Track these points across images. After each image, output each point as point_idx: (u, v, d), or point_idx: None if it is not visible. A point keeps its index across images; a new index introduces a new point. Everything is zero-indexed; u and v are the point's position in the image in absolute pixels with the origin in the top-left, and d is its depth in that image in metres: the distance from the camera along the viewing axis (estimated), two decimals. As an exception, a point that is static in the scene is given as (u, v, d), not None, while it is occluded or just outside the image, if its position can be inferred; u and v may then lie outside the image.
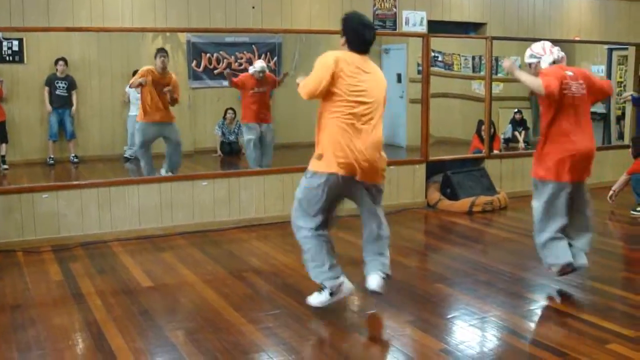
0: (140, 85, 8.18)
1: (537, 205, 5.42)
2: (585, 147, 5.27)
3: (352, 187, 4.77)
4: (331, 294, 4.82)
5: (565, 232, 5.37)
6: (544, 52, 5.37)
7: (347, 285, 4.88)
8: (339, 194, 4.83)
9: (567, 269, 5.33)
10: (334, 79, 4.59)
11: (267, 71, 9.19)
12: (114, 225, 7.30)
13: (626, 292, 5.48)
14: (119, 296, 5.37)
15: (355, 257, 5.63)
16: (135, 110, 9.54)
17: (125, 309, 5.07)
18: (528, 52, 5.47)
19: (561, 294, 5.40)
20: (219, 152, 10.32)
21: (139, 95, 8.46)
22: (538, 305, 5.18)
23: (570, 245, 5.37)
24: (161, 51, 8.32)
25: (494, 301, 5.23)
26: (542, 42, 5.53)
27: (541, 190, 5.36)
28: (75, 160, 9.65)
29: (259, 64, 9.16)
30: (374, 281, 4.92)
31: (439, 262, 6.56)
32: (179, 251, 6.81)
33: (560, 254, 5.30)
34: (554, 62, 5.33)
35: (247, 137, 9.21)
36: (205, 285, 5.65)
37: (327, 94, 4.63)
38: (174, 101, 8.42)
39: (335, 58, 4.63)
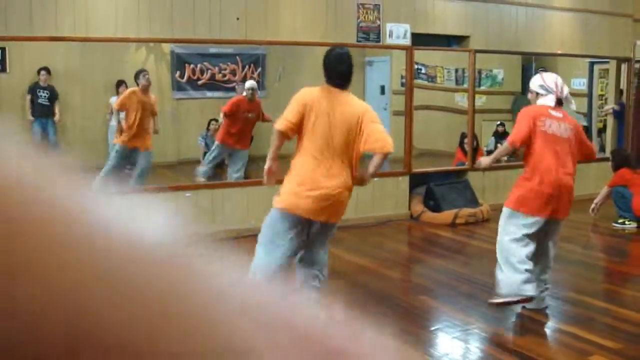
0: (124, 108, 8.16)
1: None
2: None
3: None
4: None
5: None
6: (555, 89, 5.18)
7: None
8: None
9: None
10: (304, 114, 4.40)
11: (256, 89, 9.16)
12: (96, 236, 7.24)
13: (608, 304, 5.51)
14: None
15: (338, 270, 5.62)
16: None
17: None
18: (539, 80, 5.26)
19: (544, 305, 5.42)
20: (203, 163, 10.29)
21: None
22: (520, 317, 5.19)
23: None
24: (142, 71, 8.26)
25: (477, 313, 5.24)
26: (555, 75, 5.37)
27: None
28: (58, 170, 9.58)
29: (249, 83, 9.14)
30: None
31: (422, 274, 6.57)
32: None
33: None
34: (558, 100, 5.19)
35: (213, 155, 9.17)
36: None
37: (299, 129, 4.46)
38: (155, 132, 8.39)
39: (304, 94, 4.48)
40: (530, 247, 5.06)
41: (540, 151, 5.08)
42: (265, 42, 8.24)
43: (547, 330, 4.93)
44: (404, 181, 9.10)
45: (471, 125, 9.65)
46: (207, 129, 10.34)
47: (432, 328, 4.96)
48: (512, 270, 4.97)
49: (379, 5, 8.65)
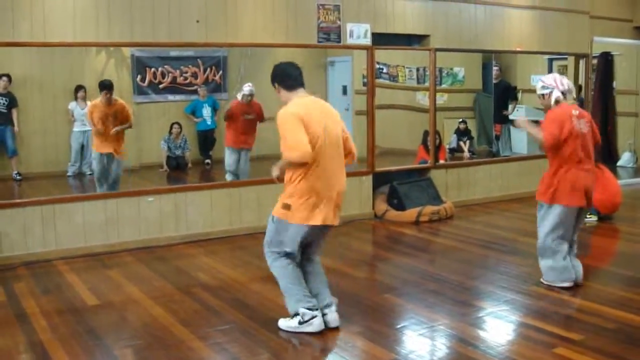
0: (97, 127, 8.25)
1: None
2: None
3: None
4: (300, 323, 4.79)
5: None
6: (555, 84, 5.78)
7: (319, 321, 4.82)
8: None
9: None
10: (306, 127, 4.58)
11: (254, 94, 9.28)
12: (58, 243, 7.16)
13: (570, 297, 5.58)
14: (65, 315, 5.27)
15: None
16: (79, 127, 9.43)
17: (71, 328, 4.98)
18: (540, 84, 5.88)
19: (508, 300, 5.47)
20: (165, 167, 10.22)
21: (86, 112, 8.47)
22: (486, 312, 5.23)
23: None
24: (104, 87, 8.25)
25: (442, 310, 5.28)
26: (552, 74, 6.00)
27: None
28: (18, 177, 9.46)
29: (247, 88, 9.28)
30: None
31: (388, 272, 6.59)
32: (125, 268, 6.71)
33: None
34: (563, 93, 5.76)
35: (228, 161, 9.41)
36: (153, 301, 5.58)
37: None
38: (128, 127, 8.49)
39: (293, 112, 4.61)
40: None
41: (572, 150, 5.69)
42: (226, 44, 8.20)
43: (512, 325, 4.98)
44: (368, 180, 9.13)
45: (433, 123, 9.71)
46: (170, 132, 10.28)
47: (398, 326, 4.98)
48: None
49: (339, 5, 8.66)
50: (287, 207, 4.70)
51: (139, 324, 5.12)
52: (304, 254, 4.92)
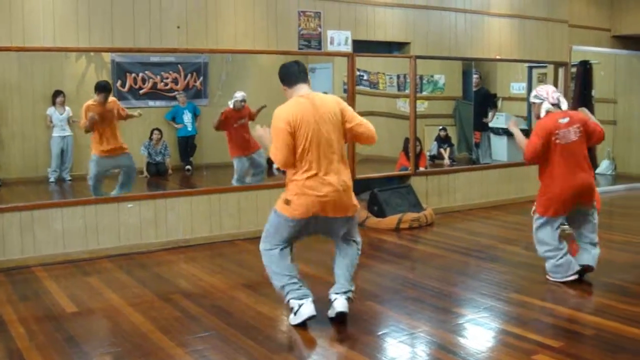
0: (93, 120, 8.12)
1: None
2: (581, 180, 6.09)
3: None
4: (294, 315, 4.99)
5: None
6: (547, 96, 6.15)
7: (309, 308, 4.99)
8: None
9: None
10: (293, 135, 4.87)
11: (245, 99, 9.34)
12: (37, 250, 7.11)
13: (550, 304, 5.62)
14: (43, 323, 5.23)
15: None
16: (58, 132, 9.37)
17: (49, 335, 4.94)
18: (533, 92, 6.32)
19: (487, 307, 5.49)
20: (145, 173, 10.19)
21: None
22: (466, 319, 5.25)
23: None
24: (102, 90, 8.32)
25: (422, 317, 5.29)
26: (547, 85, 6.46)
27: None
28: (-4, 183, 9.40)
29: (240, 94, 9.32)
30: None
31: (368, 279, 6.59)
32: (105, 275, 6.67)
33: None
34: (553, 105, 6.11)
35: (240, 172, 9.43)
36: (132, 309, 5.55)
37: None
38: (127, 117, 8.64)
39: (282, 118, 4.91)
40: None
41: (554, 163, 6.08)
42: (207, 50, 8.18)
43: (492, 332, 4.99)
44: (349, 187, 9.12)
45: (413, 130, 9.74)
46: (150, 138, 10.25)
47: (379, 333, 4.98)
48: None
49: (320, 12, 8.68)
50: (287, 202, 4.96)
51: (118, 331, 5.08)
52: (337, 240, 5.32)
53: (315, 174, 4.89)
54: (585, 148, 6.17)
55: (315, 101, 4.99)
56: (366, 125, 5.15)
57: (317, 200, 4.88)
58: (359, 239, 5.47)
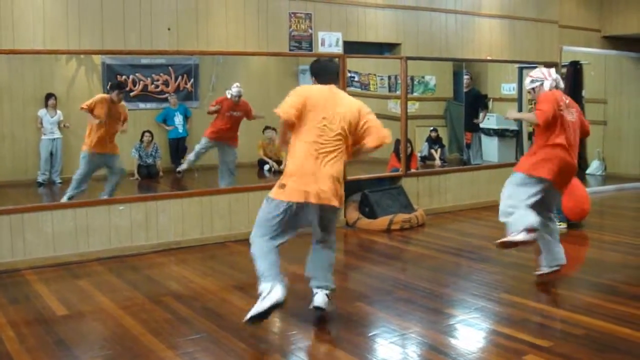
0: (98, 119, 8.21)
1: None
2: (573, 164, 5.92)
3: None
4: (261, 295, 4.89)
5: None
6: (544, 76, 5.98)
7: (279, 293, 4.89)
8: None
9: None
10: (304, 107, 4.95)
11: (242, 96, 9.44)
12: (27, 253, 7.08)
13: (540, 304, 5.64)
14: (33, 326, 5.21)
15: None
16: (48, 135, 9.35)
17: (39, 339, 4.92)
18: (528, 79, 6.08)
19: (478, 308, 5.50)
20: (136, 175, 10.18)
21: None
22: (457, 320, 5.26)
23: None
24: (118, 87, 8.53)
25: (414, 318, 5.30)
26: (538, 68, 6.18)
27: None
28: (-14, 186, 9.37)
29: (235, 89, 9.41)
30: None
31: (359, 280, 6.60)
32: (95, 278, 6.65)
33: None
34: (554, 83, 5.96)
35: (195, 149, 9.66)
36: (123, 311, 5.54)
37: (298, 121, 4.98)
38: (123, 123, 8.65)
39: (303, 88, 5.11)
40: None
41: (558, 134, 5.83)
42: (198, 52, 8.18)
43: (482, 332, 5.00)
44: (340, 188, 9.13)
45: (404, 131, 9.75)
46: (141, 140, 10.24)
47: (370, 334, 4.98)
48: None
49: (311, 14, 8.69)
50: (282, 186, 4.99)
51: (109, 334, 5.08)
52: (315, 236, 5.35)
53: (315, 158, 4.93)
54: (578, 136, 6.03)
55: (339, 94, 5.16)
56: (378, 125, 5.25)
57: (312, 180, 4.90)
58: (334, 237, 5.53)
